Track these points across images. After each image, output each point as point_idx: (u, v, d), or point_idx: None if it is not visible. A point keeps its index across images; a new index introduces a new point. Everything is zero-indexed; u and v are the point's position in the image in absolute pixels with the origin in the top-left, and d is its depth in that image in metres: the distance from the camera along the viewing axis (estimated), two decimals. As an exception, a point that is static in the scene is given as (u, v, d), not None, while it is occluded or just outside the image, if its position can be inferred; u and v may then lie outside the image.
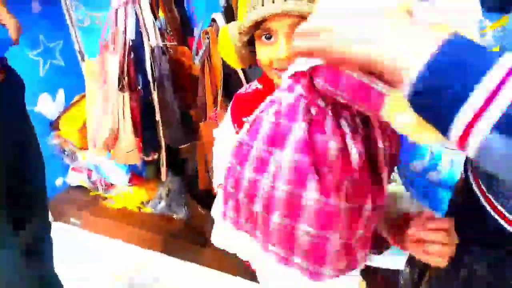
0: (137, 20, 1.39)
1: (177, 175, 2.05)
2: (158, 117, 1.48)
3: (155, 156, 1.72)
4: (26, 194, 1.12)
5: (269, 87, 0.74)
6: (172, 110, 1.46)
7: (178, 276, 1.83)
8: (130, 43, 1.37)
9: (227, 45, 0.69)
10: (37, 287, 1.20)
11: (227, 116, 0.81)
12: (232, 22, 0.70)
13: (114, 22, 1.36)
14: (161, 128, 1.51)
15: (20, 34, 0.96)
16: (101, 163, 1.98)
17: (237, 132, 0.77)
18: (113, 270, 1.86)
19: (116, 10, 1.35)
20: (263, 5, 0.60)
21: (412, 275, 1.68)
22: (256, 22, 0.62)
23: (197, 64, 1.37)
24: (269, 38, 0.64)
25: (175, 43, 1.48)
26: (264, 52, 0.66)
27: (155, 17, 1.45)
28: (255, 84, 0.80)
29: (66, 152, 2.04)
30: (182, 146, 1.57)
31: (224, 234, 0.79)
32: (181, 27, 1.60)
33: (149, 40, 1.38)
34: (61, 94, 2.07)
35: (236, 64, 0.73)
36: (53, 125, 2.01)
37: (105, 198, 2.12)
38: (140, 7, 1.38)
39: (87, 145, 1.88)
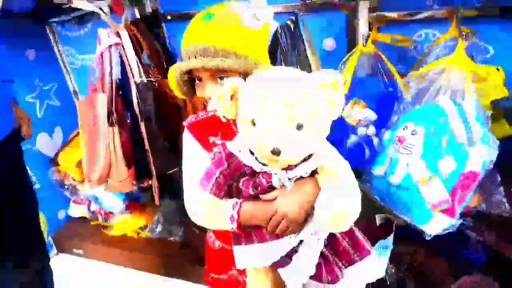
0: (122, 60, 1.54)
1: (172, 199, 2.15)
2: (147, 146, 1.60)
3: (150, 182, 1.84)
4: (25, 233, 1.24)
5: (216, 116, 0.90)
6: (160, 139, 1.59)
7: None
8: (117, 82, 1.51)
9: (173, 82, 0.87)
10: None
11: (190, 139, 0.93)
12: (177, 64, 0.86)
13: (100, 65, 1.50)
14: (150, 157, 1.63)
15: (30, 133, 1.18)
16: (99, 194, 2.10)
17: (207, 149, 0.89)
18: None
19: (102, 53, 1.50)
20: (189, 59, 0.80)
21: (398, 272, 1.76)
22: (186, 70, 0.81)
23: (180, 100, 1.50)
24: (200, 80, 0.83)
25: (159, 77, 1.61)
26: (198, 90, 0.86)
27: (138, 54, 1.60)
28: (202, 114, 0.94)
29: (66, 186, 2.16)
30: (171, 171, 1.69)
31: (244, 255, 0.86)
32: (164, 61, 1.75)
33: (133, 77, 1.52)
34: (58, 132, 2.21)
35: (181, 95, 0.91)
36: (53, 161, 2.14)
37: (106, 227, 2.22)
38: (123, 48, 1.52)
39: (84, 178, 2.01)
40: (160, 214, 2.12)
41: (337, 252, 0.83)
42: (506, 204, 1.19)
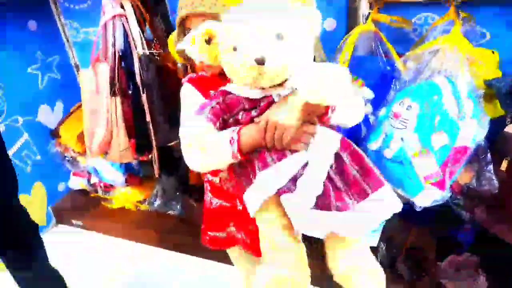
0: (125, 32, 1.56)
1: (170, 174, 2.19)
2: (148, 118, 1.63)
3: (150, 156, 1.87)
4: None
5: (214, 75, 0.93)
6: (161, 112, 1.62)
7: (175, 268, 1.96)
8: (120, 53, 1.53)
9: (173, 47, 0.95)
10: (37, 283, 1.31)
11: (190, 90, 0.96)
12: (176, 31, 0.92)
13: (104, 35, 1.52)
14: (151, 129, 1.67)
15: None
16: (99, 167, 2.14)
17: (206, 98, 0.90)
18: (114, 266, 2.00)
19: (105, 24, 1.51)
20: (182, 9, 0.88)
21: (389, 250, 1.83)
22: (182, 21, 0.89)
23: (181, 68, 1.53)
24: None
25: (161, 51, 1.63)
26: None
27: (142, 28, 1.62)
28: (202, 73, 0.99)
29: (67, 158, 2.19)
30: (172, 144, 1.72)
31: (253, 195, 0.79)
32: (166, 36, 1.77)
33: (136, 49, 1.54)
34: (59, 105, 2.23)
35: (181, 60, 1.00)
36: (53, 133, 2.16)
37: (105, 199, 2.27)
38: (127, 20, 1.54)
39: (85, 150, 2.04)
40: (159, 188, 2.17)
41: (347, 182, 0.74)
42: (495, 181, 1.24)
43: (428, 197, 1.17)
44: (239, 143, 0.75)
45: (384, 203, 0.73)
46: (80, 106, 2.15)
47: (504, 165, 1.26)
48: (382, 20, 1.44)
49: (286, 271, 0.71)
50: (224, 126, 0.79)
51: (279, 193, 0.72)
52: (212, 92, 0.86)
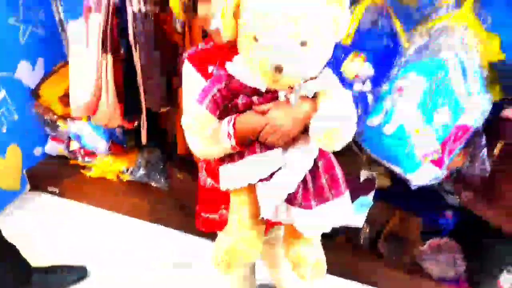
0: (120, -14, 1.46)
1: (156, 145, 2.12)
2: (140, 81, 1.55)
3: (136, 124, 1.80)
4: None
5: (216, 45, 0.92)
6: (154, 74, 1.55)
7: (154, 240, 1.91)
8: (114, 6, 1.44)
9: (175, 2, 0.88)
10: None
11: (190, 70, 0.94)
12: None
13: (98, -14, 1.42)
14: (142, 92, 1.59)
15: None
16: (82, 132, 2.04)
17: (205, 78, 0.89)
18: (89, 236, 1.92)
19: (100, -26, 1.42)
20: None
21: (372, 233, 1.85)
22: None
23: (179, 29, 1.45)
24: None
25: (157, 9, 1.55)
26: (202, 8, 0.86)
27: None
28: (201, 45, 0.96)
29: (46, 121, 2.08)
30: (163, 110, 1.66)
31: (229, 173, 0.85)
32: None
33: (131, 5, 1.45)
34: (40, 63, 2.10)
35: (181, 15, 0.95)
36: (33, 93, 2.04)
37: (84, 167, 2.17)
38: (123, -26, 1.45)
39: (68, 113, 1.94)
40: (143, 159, 2.09)
41: (315, 186, 0.82)
42: (488, 166, 1.26)
43: (425, 175, 1.17)
44: (236, 137, 0.78)
45: (340, 211, 0.83)
46: (63, 66, 2.04)
47: (497, 149, 1.27)
48: (388, -4, 1.41)
49: (243, 245, 0.82)
50: (224, 111, 0.80)
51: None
52: (213, 68, 0.88)
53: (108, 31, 1.44)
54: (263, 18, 0.66)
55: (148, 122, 1.70)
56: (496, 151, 1.31)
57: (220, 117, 0.80)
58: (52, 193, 2.20)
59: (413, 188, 1.23)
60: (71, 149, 2.18)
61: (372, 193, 1.65)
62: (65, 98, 1.89)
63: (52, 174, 2.19)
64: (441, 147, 1.13)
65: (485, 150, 1.25)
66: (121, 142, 2.14)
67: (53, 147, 2.22)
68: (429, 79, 1.12)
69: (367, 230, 1.82)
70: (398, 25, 1.33)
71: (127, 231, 1.98)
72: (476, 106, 1.09)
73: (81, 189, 2.13)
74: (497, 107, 1.29)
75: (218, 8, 0.72)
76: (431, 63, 1.15)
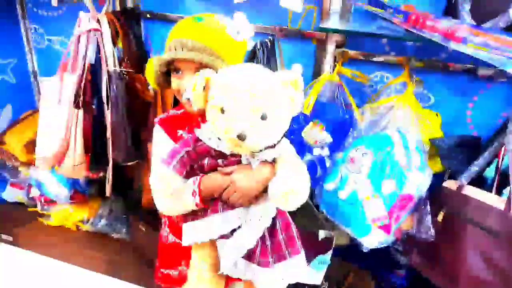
0: (98, 47, 1.55)
1: (120, 195, 2.12)
2: (109, 134, 1.59)
3: (101, 174, 1.80)
4: None
5: (186, 112, 0.99)
6: (124, 130, 1.59)
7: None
8: (89, 67, 1.51)
9: (151, 72, 0.95)
10: None
11: (159, 132, 1.01)
12: (158, 56, 0.94)
13: (76, 46, 1.50)
14: (110, 145, 1.62)
15: None
16: (43, 180, 2.00)
17: (175, 141, 0.96)
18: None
19: (79, 36, 1.50)
20: (175, 50, 0.88)
21: (330, 288, 1.88)
22: (170, 60, 0.89)
23: (151, 90, 1.54)
24: (178, 72, 0.91)
25: (132, 70, 1.64)
26: (175, 82, 0.94)
27: (115, 44, 1.62)
28: (173, 112, 1.04)
29: (8, 167, 2.03)
30: (130, 164, 1.69)
31: (192, 230, 0.90)
32: (138, 56, 1.78)
33: (107, 65, 1.53)
34: (8, 109, 2.10)
35: (155, 86, 0.99)
36: (-3, 139, 2.01)
37: (43, 215, 2.11)
38: (102, 36, 1.54)
39: (31, 160, 1.92)
40: (104, 209, 2.07)
41: (273, 243, 0.88)
42: (432, 231, 1.37)
43: (374, 239, 1.26)
44: (200, 196, 0.85)
45: (296, 269, 0.88)
46: (31, 114, 2.05)
47: (440, 216, 1.39)
48: (344, 73, 1.58)
49: None
50: (190, 171, 0.88)
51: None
52: (182, 132, 0.96)
53: (82, 89, 1.49)
54: (230, 94, 0.76)
55: (114, 172, 1.71)
56: (439, 217, 1.42)
57: (187, 177, 0.87)
58: (6, 241, 2.10)
59: (365, 250, 1.31)
60: (31, 195, 2.12)
61: (330, 252, 1.71)
62: (29, 145, 1.88)
63: (7, 221, 2.10)
64: (388, 214, 1.23)
65: (429, 217, 1.36)
66: (83, 191, 2.12)
67: (11, 193, 2.16)
68: (377, 152, 1.25)
69: (326, 287, 1.86)
70: (352, 101, 1.49)
71: (83, 284, 1.90)
72: (418, 178, 1.22)
73: (37, 238, 2.05)
74: (439, 178, 1.43)
75: (190, 83, 0.82)
76: (379, 138, 1.28)
